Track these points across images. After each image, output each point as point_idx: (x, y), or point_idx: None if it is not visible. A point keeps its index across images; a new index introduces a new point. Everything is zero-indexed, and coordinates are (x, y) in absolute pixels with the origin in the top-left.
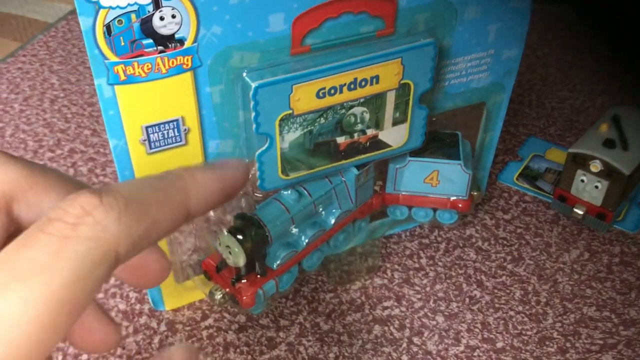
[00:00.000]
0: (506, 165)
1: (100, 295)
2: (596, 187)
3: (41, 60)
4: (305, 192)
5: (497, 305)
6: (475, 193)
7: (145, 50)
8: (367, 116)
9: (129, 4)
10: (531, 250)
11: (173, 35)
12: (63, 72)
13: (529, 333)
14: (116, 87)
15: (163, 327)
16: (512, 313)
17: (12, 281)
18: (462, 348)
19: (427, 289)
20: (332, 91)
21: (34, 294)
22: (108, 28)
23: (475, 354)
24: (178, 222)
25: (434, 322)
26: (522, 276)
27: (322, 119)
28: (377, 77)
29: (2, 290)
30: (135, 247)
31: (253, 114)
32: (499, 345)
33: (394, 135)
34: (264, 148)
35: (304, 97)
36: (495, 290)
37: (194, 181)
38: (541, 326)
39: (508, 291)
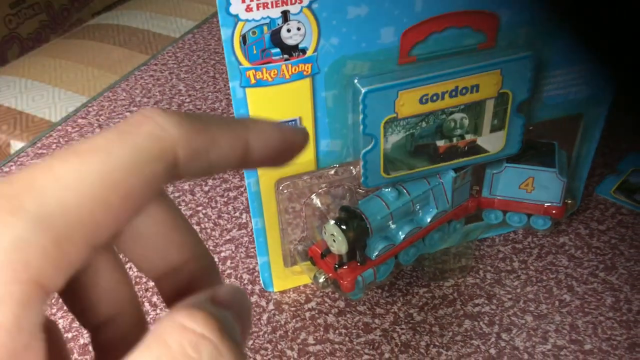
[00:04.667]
0: (604, 178)
1: None
2: None
3: (170, 69)
4: (405, 190)
5: (586, 310)
6: (570, 201)
7: (273, 58)
8: (466, 122)
9: (262, 17)
10: (625, 261)
11: (297, 45)
12: (189, 80)
13: (618, 338)
14: (247, 89)
15: (271, 306)
16: (602, 318)
17: (70, 154)
18: (549, 347)
19: (518, 290)
20: (434, 98)
21: (89, 166)
22: (244, 38)
23: (562, 353)
24: (237, 152)
25: (523, 321)
26: (614, 284)
27: (423, 123)
28: (477, 86)
29: (59, 161)
30: (195, 158)
31: (361, 117)
32: (587, 347)
33: (492, 141)
34: (368, 148)
35: (408, 103)
36: (586, 296)
37: (255, 123)
38: (632, 333)
39: (599, 297)
